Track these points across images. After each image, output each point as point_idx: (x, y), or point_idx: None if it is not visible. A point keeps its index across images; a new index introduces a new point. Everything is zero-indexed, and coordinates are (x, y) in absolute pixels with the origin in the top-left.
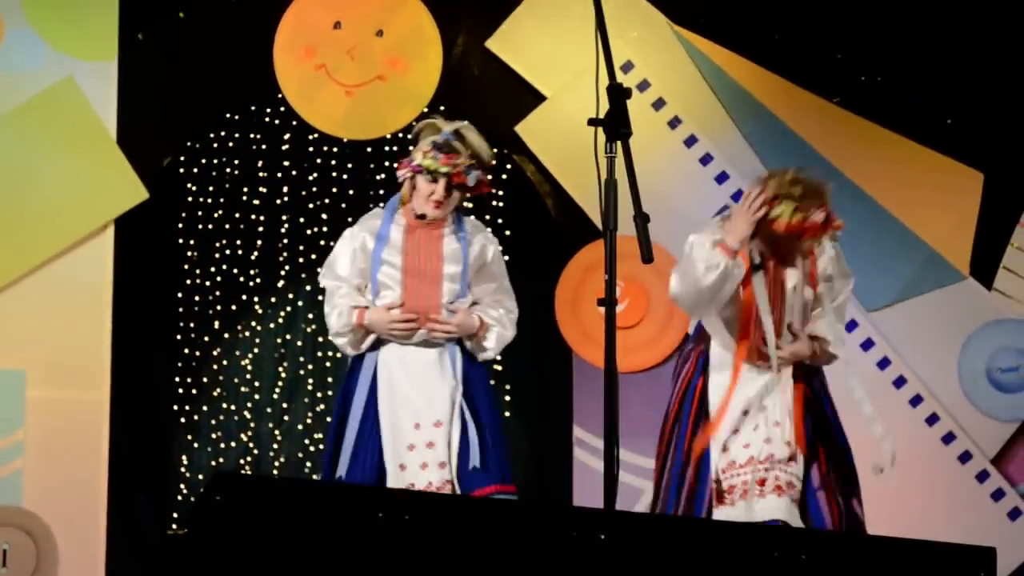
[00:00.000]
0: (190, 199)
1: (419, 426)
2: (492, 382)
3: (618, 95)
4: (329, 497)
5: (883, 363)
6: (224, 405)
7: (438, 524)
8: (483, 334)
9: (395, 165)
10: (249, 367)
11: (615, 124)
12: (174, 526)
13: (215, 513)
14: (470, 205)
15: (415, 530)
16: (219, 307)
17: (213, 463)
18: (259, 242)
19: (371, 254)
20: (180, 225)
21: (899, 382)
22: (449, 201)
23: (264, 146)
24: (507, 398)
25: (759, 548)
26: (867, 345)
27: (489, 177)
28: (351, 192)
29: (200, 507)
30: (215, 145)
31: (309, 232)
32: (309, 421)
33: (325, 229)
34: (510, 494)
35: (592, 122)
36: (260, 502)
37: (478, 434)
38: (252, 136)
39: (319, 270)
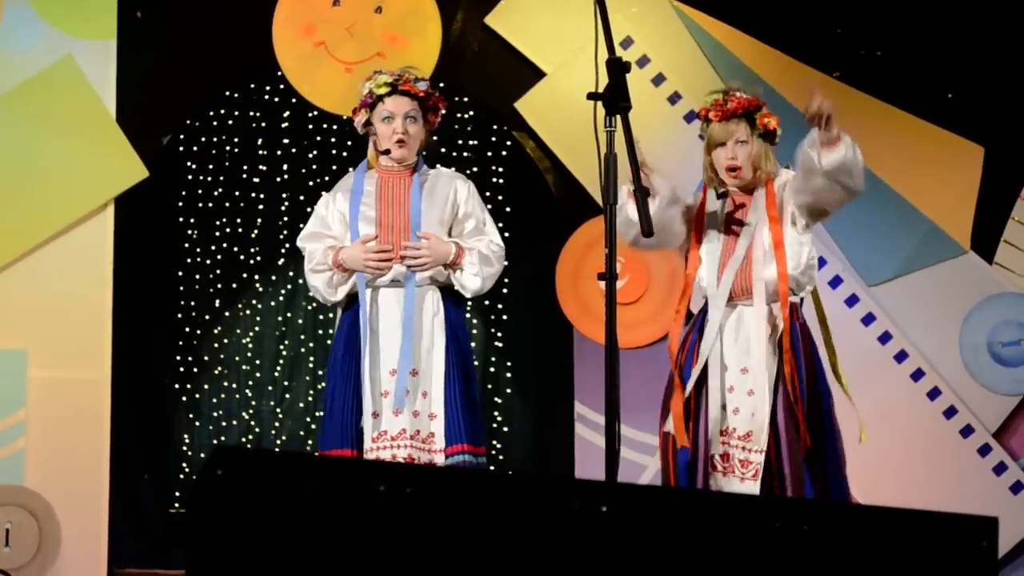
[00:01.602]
0: (190, 177)
1: (394, 372)
2: (493, 358)
3: (617, 69)
4: (331, 471)
5: (884, 338)
6: (225, 383)
7: (440, 497)
8: (461, 260)
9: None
10: (250, 345)
11: (615, 98)
12: (176, 504)
13: (217, 488)
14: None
15: (417, 503)
16: (220, 285)
17: (214, 441)
18: (259, 220)
19: (348, 209)
20: (180, 203)
21: (900, 356)
22: (411, 138)
23: (264, 124)
24: (508, 375)
25: (761, 519)
26: (868, 320)
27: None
28: (351, 169)
29: (202, 482)
30: (215, 123)
31: (309, 210)
32: (310, 399)
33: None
34: (479, 456)
35: (592, 96)
36: (263, 476)
37: (452, 389)
38: (252, 114)
39: None
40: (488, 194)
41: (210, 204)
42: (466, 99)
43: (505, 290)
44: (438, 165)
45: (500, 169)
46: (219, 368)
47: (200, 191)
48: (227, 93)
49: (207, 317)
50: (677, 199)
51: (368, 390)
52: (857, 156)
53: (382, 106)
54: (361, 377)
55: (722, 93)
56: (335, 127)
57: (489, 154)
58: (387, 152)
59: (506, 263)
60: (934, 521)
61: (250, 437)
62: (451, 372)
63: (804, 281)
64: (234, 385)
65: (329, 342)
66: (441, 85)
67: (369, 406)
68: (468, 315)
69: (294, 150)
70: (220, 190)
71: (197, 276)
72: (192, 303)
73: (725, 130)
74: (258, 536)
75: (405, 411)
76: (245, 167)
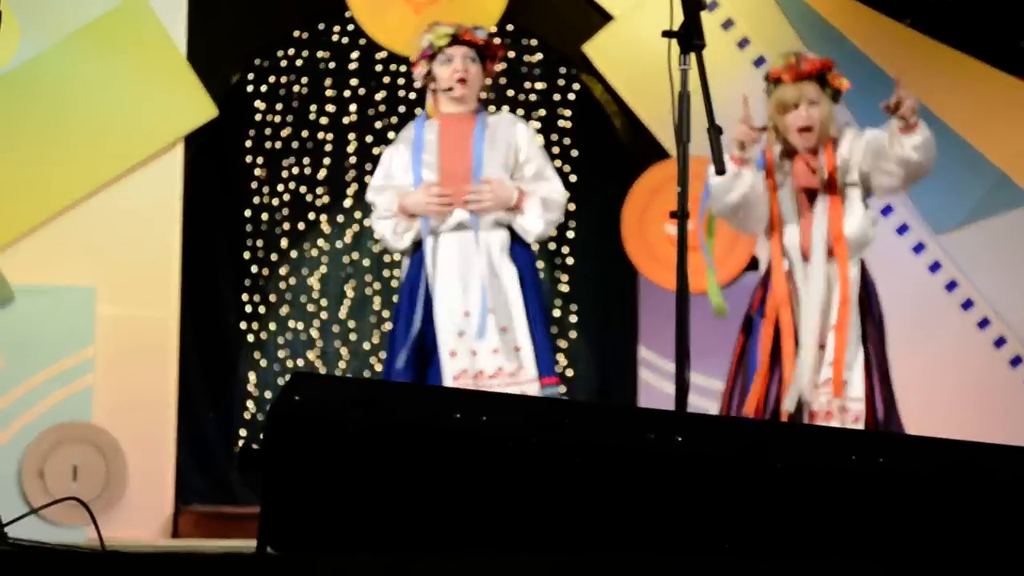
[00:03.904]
0: (258, 117)
1: (468, 314)
2: (558, 302)
3: (692, 6)
4: (408, 397)
5: (951, 286)
6: (291, 324)
7: (515, 425)
8: (523, 202)
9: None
10: (316, 286)
11: (689, 35)
12: (241, 443)
13: (294, 414)
14: (538, 125)
15: (493, 433)
16: (286, 226)
17: (280, 381)
18: (326, 160)
19: (411, 160)
20: (248, 143)
21: (967, 304)
22: (471, 76)
23: (332, 64)
24: (573, 319)
25: (836, 450)
26: (935, 267)
27: (497, 40)
28: (418, 112)
29: (279, 407)
30: (283, 63)
31: (376, 151)
32: (376, 340)
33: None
34: (554, 387)
35: (666, 34)
36: (340, 402)
37: (533, 319)
38: (320, 54)
39: None
40: (555, 137)
41: (278, 144)
42: (534, 42)
43: (571, 234)
44: (503, 108)
45: (567, 113)
46: (285, 308)
47: (268, 131)
48: (296, 33)
49: (274, 257)
50: (762, 183)
51: (443, 331)
52: (929, 153)
53: (442, 55)
54: (432, 319)
55: (794, 55)
56: (403, 68)
57: (556, 97)
58: (449, 90)
59: (572, 207)
60: (1012, 455)
61: None
62: (530, 305)
63: (870, 236)
64: (300, 325)
65: (394, 284)
66: (509, 28)
67: (446, 345)
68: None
69: (362, 91)
70: (288, 130)
71: (264, 216)
72: (259, 243)
73: (798, 91)
74: (335, 463)
75: (482, 351)
76: (313, 108)
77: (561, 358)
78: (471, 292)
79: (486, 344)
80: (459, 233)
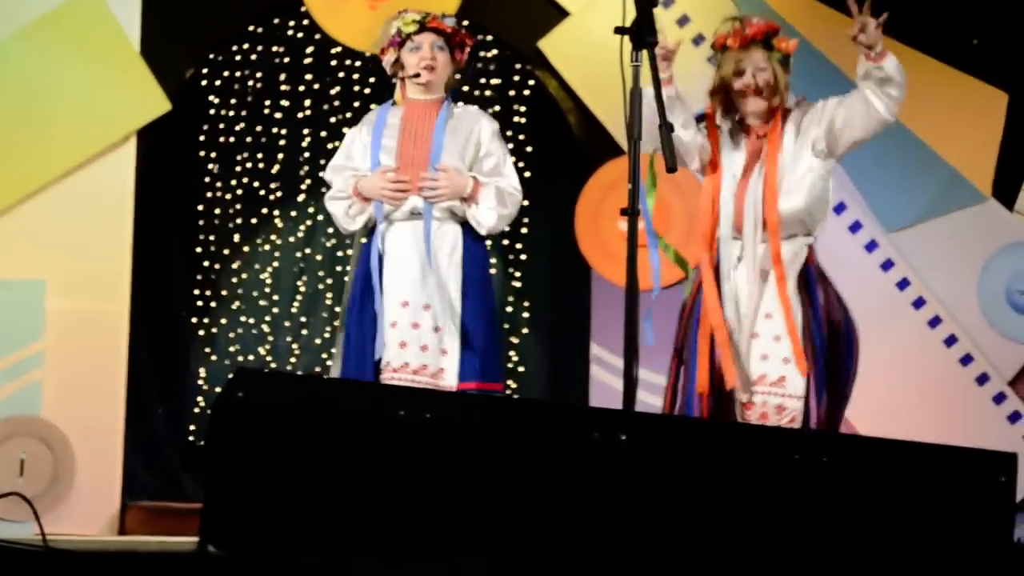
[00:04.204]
0: (212, 111)
1: (407, 304)
2: (511, 299)
3: (645, 3)
4: (351, 395)
5: (902, 284)
6: (242, 318)
7: (459, 424)
8: (477, 194)
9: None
10: (268, 280)
11: (642, 32)
12: (191, 439)
13: (238, 409)
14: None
15: (435, 430)
16: (239, 220)
17: (230, 376)
18: (280, 155)
19: (370, 141)
20: (202, 137)
21: (918, 303)
22: (439, 64)
23: (287, 59)
24: (525, 315)
25: (779, 450)
26: (887, 265)
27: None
28: (372, 107)
29: (222, 402)
30: (238, 57)
31: (330, 146)
32: (327, 335)
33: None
34: (494, 392)
35: (619, 30)
36: (283, 399)
37: (469, 326)
38: (275, 49)
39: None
40: (510, 133)
41: (231, 139)
42: (489, 37)
43: (524, 229)
44: (462, 104)
45: (522, 108)
46: (237, 303)
47: (222, 126)
48: (251, 28)
49: (226, 251)
50: (691, 121)
51: (381, 320)
52: (903, 74)
53: (410, 42)
54: (376, 306)
55: (738, 20)
56: (358, 63)
57: (512, 93)
58: (415, 76)
59: (526, 202)
60: (954, 455)
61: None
62: (467, 308)
63: (819, 216)
64: (251, 320)
65: (347, 279)
66: (465, 23)
67: (380, 335)
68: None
69: (316, 86)
70: (242, 125)
71: (217, 211)
72: (211, 237)
73: (744, 56)
74: (277, 460)
75: (412, 344)
76: (267, 102)
77: (513, 354)
78: (414, 284)
79: (416, 338)
80: (412, 222)
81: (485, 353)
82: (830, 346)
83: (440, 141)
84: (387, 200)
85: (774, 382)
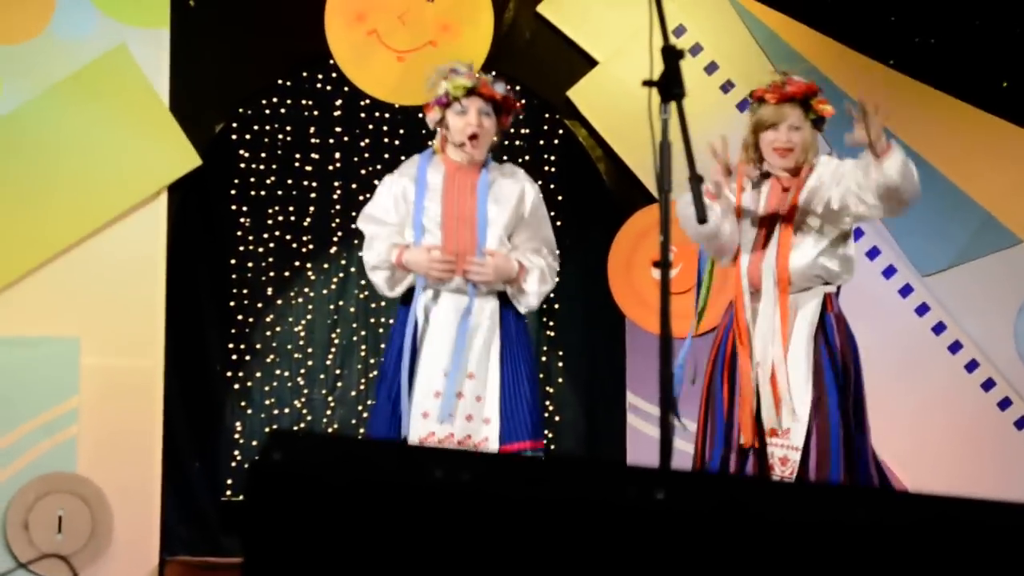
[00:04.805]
0: (242, 165)
1: (448, 374)
2: (545, 348)
3: (672, 56)
4: (388, 456)
5: (938, 328)
6: (277, 371)
7: (497, 485)
8: (523, 277)
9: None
10: (302, 333)
11: (669, 85)
12: (228, 493)
13: (275, 473)
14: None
15: (473, 490)
16: (272, 273)
17: (266, 429)
18: (311, 208)
19: (412, 201)
20: (233, 192)
21: (955, 347)
22: (484, 132)
23: (316, 112)
24: (559, 364)
25: (821, 506)
26: (922, 310)
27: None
28: (403, 158)
29: (259, 466)
30: (267, 111)
31: (361, 198)
32: (362, 387)
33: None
34: (540, 451)
35: (647, 83)
36: (320, 461)
37: (512, 390)
38: (304, 102)
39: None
40: (540, 183)
41: (262, 192)
42: (518, 88)
43: (557, 279)
44: (505, 160)
45: (552, 158)
46: (271, 356)
47: (252, 179)
48: (279, 81)
49: (259, 305)
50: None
51: (420, 389)
52: (909, 174)
53: (457, 105)
54: (414, 376)
55: (781, 76)
56: (387, 115)
57: (541, 143)
58: (461, 145)
59: (558, 251)
60: (993, 510)
61: (301, 425)
62: (507, 378)
63: (839, 270)
64: (286, 373)
65: (381, 330)
66: (493, 73)
67: (420, 404)
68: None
69: (346, 139)
70: (272, 178)
71: (249, 264)
72: (244, 291)
73: (779, 113)
74: (316, 522)
75: (458, 415)
76: (297, 155)
77: (548, 404)
78: (453, 355)
79: (461, 409)
80: (454, 295)
81: (528, 415)
82: (844, 390)
83: (484, 217)
84: (432, 279)
85: (782, 432)
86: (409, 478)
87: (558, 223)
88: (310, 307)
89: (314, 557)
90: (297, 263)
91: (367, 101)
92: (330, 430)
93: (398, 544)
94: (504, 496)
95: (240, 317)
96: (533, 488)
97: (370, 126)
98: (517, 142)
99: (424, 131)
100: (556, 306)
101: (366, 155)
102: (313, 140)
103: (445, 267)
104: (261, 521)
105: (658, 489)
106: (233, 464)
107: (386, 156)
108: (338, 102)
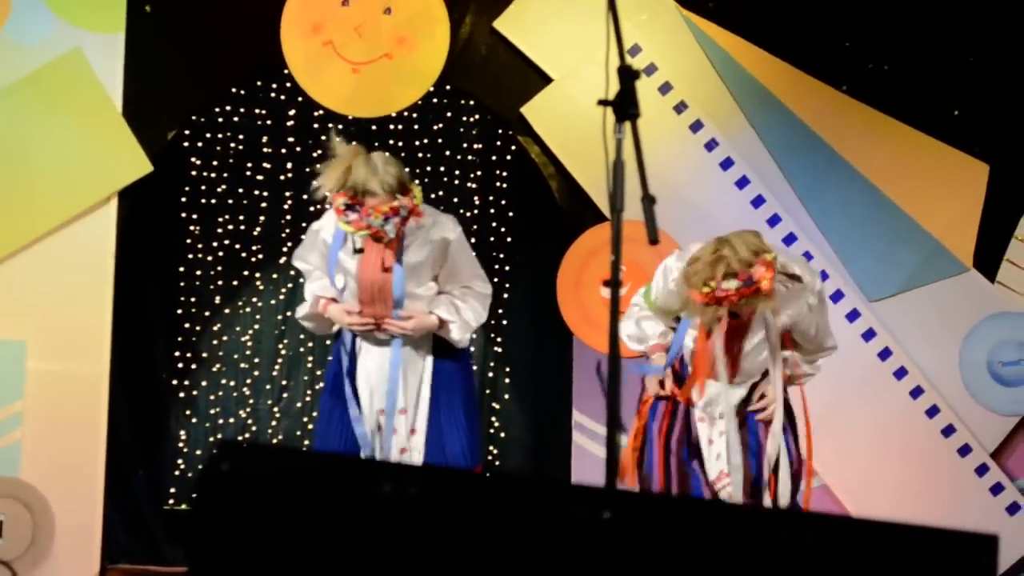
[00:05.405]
0: (194, 173)
1: (383, 412)
2: (492, 364)
3: (628, 76)
4: (336, 469)
5: (884, 354)
6: (223, 381)
7: (444, 500)
8: (445, 330)
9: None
10: (249, 343)
11: (624, 105)
12: (171, 501)
13: (222, 483)
14: (474, 186)
15: (421, 505)
16: (220, 282)
17: (211, 439)
18: (262, 218)
19: (328, 253)
20: (183, 199)
21: (900, 373)
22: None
23: (269, 122)
24: (506, 380)
25: (766, 529)
26: (868, 335)
27: (413, 201)
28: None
29: (207, 476)
30: (220, 120)
31: (312, 209)
32: (308, 399)
33: (328, 206)
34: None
35: (601, 102)
36: (268, 473)
37: (447, 417)
38: (257, 111)
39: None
40: (491, 199)
41: (213, 200)
42: (472, 103)
43: (506, 295)
44: (439, 168)
45: (504, 174)
46: (217, 365)
47: (204, 187)
48: (233, 90)
49: (207, 314)
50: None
51: (359, 427)
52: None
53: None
54: (350, 416)
55: (710, 274)
56: (340, 127)
57: (494, 158)
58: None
59: (507, 268)
60: (935, 537)
61: (246, 435)
62: (441, 407)
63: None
64: (232, 383)
65: (328, 342)
66: (447, 88)
67: (363, 442)
68: None
69: (299, 149)
70: (224, 187)
71: (198, 272)
72: (192, 299)
73: (708, 311)
74: (263, 534)
75: (394, 449)
76: (249, 164)
77: (494, 420)
78: (388, 393)
79: (395, 443)
80: (379, 346)
81: (464, 442)
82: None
83: (401, 285)
84: (354, 332)
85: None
86: (357, 492)
87: (508, 239)
88: (258, 317)
89: (260, 569)
90: (246, 272)
91: (320, 112)
92: (275, 441)
93: (345, 557)
94: (451, 511)
95: (187, 325)
96: (480, 505)
97: (323, 137)
98: (470, 157)
99: (376, 144)
100: (504, 322)
101: (318, 166)
102: (265, 149)
103: (366, 325)
104: (208, 531)
105: (605, 508)
106: (177, 473)
107: None
108: (291, 112)
